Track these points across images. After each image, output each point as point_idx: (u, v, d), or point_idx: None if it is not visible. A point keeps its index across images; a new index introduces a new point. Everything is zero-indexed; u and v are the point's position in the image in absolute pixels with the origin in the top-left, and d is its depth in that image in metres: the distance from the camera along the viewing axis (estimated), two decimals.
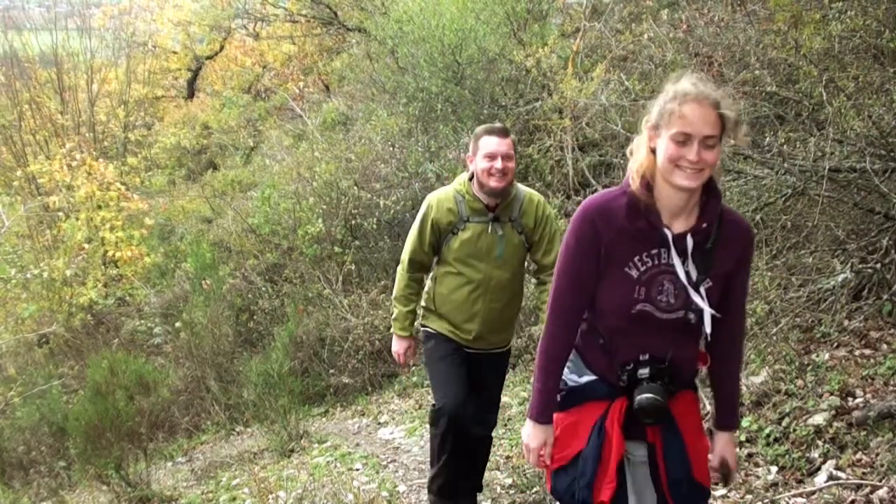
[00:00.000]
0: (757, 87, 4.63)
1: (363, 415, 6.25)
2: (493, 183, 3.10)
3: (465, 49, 7.48)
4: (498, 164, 3.10)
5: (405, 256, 3.34)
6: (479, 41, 7.47)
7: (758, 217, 4.38)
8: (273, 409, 5.86)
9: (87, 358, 7.67)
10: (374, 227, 7.64)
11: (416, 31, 7.85)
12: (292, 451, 5.63)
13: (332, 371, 7.03)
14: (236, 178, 13.19)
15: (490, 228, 3.19)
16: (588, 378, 2.09)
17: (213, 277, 8.06)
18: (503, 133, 3.19)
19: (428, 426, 3.60)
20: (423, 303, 3.44)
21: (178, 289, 9.34)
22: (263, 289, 8.08)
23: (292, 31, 15.25)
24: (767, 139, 4.35)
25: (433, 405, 3.39)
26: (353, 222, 7.88)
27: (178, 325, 8.09)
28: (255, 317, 7.94)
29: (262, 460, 5.66)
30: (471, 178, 3.24)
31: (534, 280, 3.39)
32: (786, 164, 4.08)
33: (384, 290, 7.27)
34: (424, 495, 4.16)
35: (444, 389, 3.33)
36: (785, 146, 4.24)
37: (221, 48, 17.10)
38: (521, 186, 3.29)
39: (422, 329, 3.46)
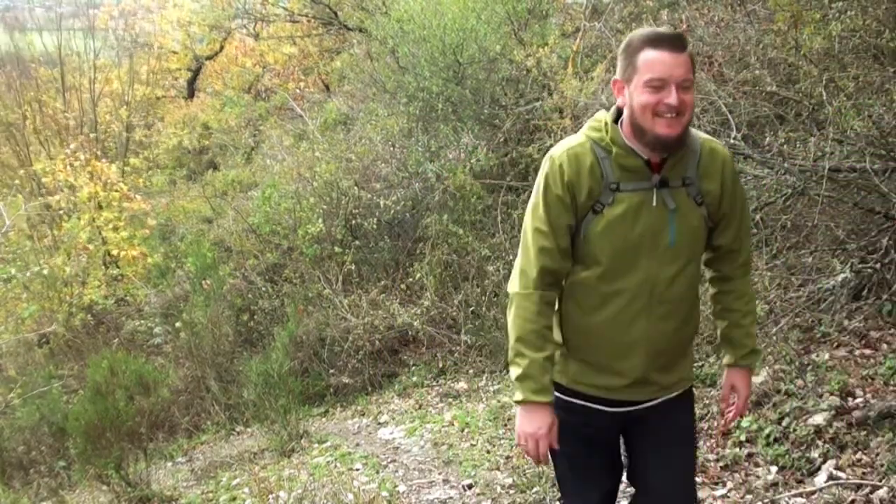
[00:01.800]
0: (757, 87, 4.63)
1: (363, 415, 6.25)
2: (660, 129, 1.86)
3: (466, 49, 7.48)
4: (671, 98, 1.84)
5: (530, 263, 1.99)
6: (479, 41, 7.47)
7: (758, 217, 4.38)
8: (273, 409, 5.86)
9: (87, 358, 7.67)
10: (375, 227, 7.64)
11: (416, 30, 7.85)
12: (292, 451, 5.63)
13: (332, 371, 7.04)
14: (237, 178, 13.19)
15: (655, 199, 1.93)
16: None
17: (214, 277, 8.06)
18: (677, 44, 1.87)
19: None
20: None
21: (178, 289, 9.34)
22: (263, 289, 8.08)
23: (293, 32, 15.25)
24: (767, 139, 4.35)
25: None
26: (354, 222, 7.88)
27: (178, 325, 8.09)
28: (255, 317, 7.94)
29: (262, 460, 5.67)
30: (617, 119, 1.98)
31: (708, 274, 2.21)
32: (786, 164, 4.07)
33: (384, 290, 7.27)
34: (424, 495, 4.16)
35: (579, 497, 2.19)
36: (785, 146, 4.24)
37: (221, 48, 17.11)
38: (693, 130, 2.01)
39: None
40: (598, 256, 1.97)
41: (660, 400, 2.09)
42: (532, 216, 2.02)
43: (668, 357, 2.06)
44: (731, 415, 2.23)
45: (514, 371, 2.01)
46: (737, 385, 2.20)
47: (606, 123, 1.97)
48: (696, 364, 4.30)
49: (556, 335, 2.08)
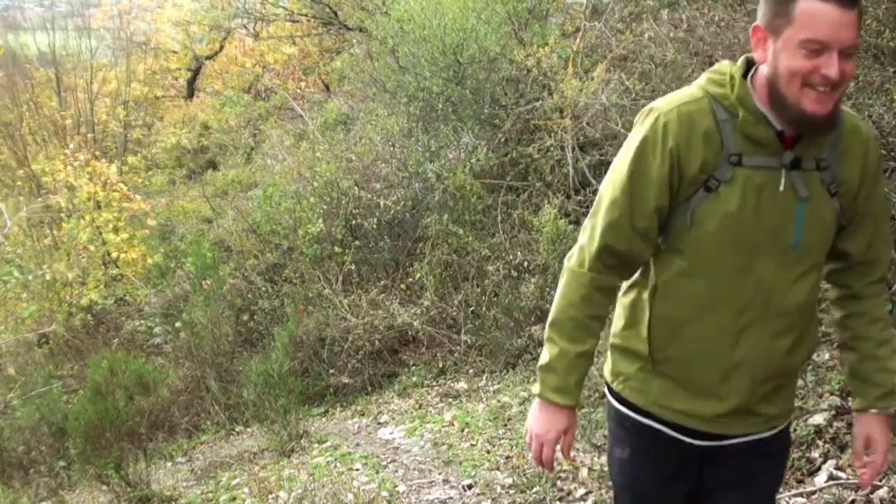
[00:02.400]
0: None
1: (363, 415, 6.25)
2: (808, 104, 1.45)
3: (467, 49, 7.48)
4: (831, 67, 1.41)
5: (592, 238, 1.62)
6: (479, 41, 7.47)
7: None
8: (273, 409, 5.86)
9: (87, 358, 7.67)
10: (375, 227, 7.64)
11: (416, 30, 7.85)
12: (292, 451, 5.63)
13: (332, 371, 7.04)
14: (237, 177, 13.19)
15: (783, 182, 1.53)
16: None
17: (214, 277, 8.06)
18: None
19: None
20: (615, 339, 1.75)
21: (178, 289, 9.34)
22: (263, 289, 8.09)
23: (293, 32, 15.25)
24: None
25: None
26: (354, 222, 7.88)
27: (178, 325, 8.09)
28: (255, 317, 7.94)
29: (262, 460, 5.67)
30: (746, 73, 1.56)
31: (833, 293, 1.78)
32: None
33: (384, 290, 7.27)
34: (424, 495, 4.16)
35: None
36: None
37: (221, 48, 17.11)
38: None
39: (609, 400, 1.78)
40: (702, 249, 1.56)
41: (752, 438, 1.69)
42: (611, 180, 1.59)
43: (777, 382, 1.66)
44: (866, 476, 1.74)
45: (543, 355, 1.69)
46: (873, 436, 1.70)
47: (733, 77, 1.54)
48: None
49: (640, 342, 1.67)
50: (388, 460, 4.90)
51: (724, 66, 1.58)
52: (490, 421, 5.04)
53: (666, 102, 1.57)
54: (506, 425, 4.88)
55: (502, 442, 4.61)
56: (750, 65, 1.57)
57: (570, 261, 1.67)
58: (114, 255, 10.45)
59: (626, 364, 1.71)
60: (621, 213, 1.57)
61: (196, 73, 18.01)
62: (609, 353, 1.77)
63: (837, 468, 3.14)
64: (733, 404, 1.63)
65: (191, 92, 18.15)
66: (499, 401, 5.31)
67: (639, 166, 1.55)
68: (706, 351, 1.62)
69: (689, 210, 1.55)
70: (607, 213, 1.58)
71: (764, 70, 1.52)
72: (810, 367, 3.76)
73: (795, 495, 3.10)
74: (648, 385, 1.68)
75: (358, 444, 5.45)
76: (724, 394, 1.63)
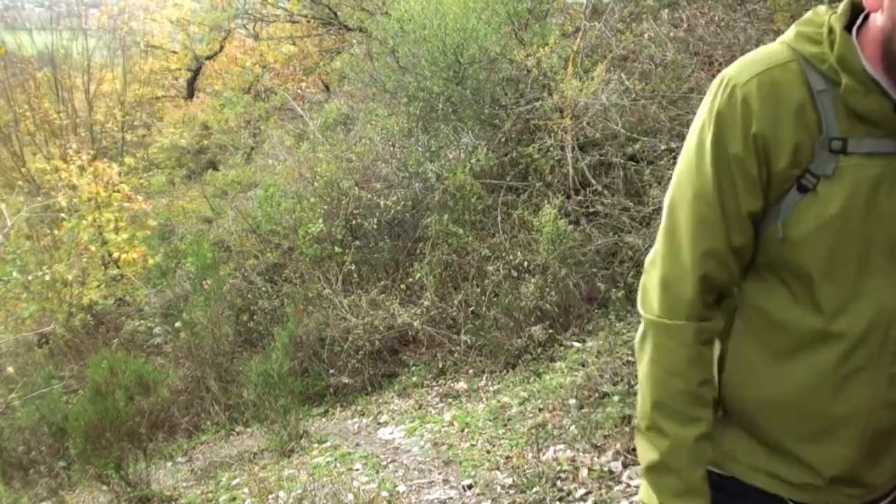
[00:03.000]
0: None
1: (363, 415, 6.26)
2: None
3: (467, 49, 7.48)
4: None
5: (683, 270, 1.18)
6: (480, 41, 7.47)
7: None
8: (273, 409, 5.87)
9: (87, 358, 7.67)
10: (375, 227, 7.64)
11: (417, 30, 7.85)
12: (292, 451, 5.64)
13: (331, 371, 7.04)
14: (237, 178, 13.20)
15: None
16: None
17: (214, 277, 8.07)
18: None
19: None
20: None
21: (178, 289, 9.35)
22: (263, 289, 8.09)
23: (292, 32, 15.26)
24: None
25: None
26: (354, 222, 7.88)
27: (178, 325, 8.10)
28: (255, 317, 7.94)
29: (261, 460, 5.67)
30: (850, 26, 1.12)
31: None
32: None
33: (384, 290, 7.27)
34: (424, 495, 4.16)
35: None
36: None
37: (221, 48, 17.12)
38: None
39: None
40: (799, 267, 1.15)
41: None
42: (689, 189, 1.17)
43: (889, 440, 1.20)
44: None
45: (647, 453, 1.23)
46: None
47: (832, 30, 1.11)
48: None
49: (721, 395, 1.27)
50: (388, 460, 4.90)
51: (820, 12, 1.14)
52: (490, 421, 5.04)
53: (742, 67, 1.14)
54: (506, 425, 4.88)
55: (502, 442, 4.61)
56: (856, 11, 1.14)
57: (654, 310, 1.22)
58: (114, 255, 10.47)
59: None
60: (715, 232, 1.16)
61: (196, 73, 18.02)
62: None
63: None
64: (833, 473, 1.20)
65: (191, 92, 18.17)
66: (499, 401, 5.31)
67: (721, 163, 1.14)
68: (797, 401, 1.18)
69: (780, 217, 1.14)
70: (696, 235, 1.17)
71: (877, 20, 1.08)
72: None
73: None
74: (720, 438, 1.26)
75: (358, 444, 5.45)
76: (820, 461, 1.20)
